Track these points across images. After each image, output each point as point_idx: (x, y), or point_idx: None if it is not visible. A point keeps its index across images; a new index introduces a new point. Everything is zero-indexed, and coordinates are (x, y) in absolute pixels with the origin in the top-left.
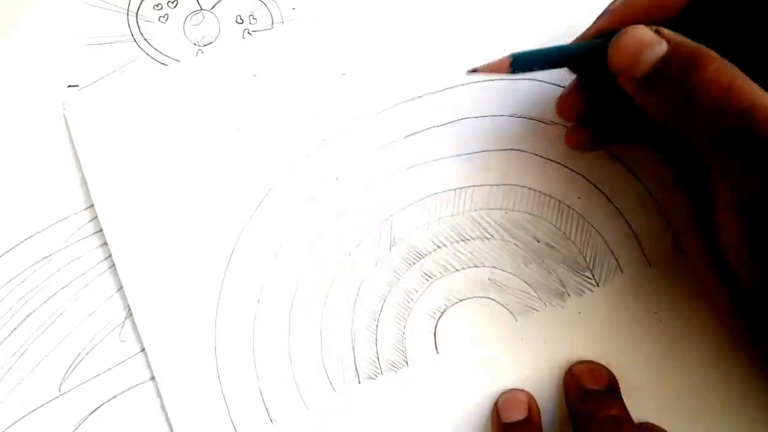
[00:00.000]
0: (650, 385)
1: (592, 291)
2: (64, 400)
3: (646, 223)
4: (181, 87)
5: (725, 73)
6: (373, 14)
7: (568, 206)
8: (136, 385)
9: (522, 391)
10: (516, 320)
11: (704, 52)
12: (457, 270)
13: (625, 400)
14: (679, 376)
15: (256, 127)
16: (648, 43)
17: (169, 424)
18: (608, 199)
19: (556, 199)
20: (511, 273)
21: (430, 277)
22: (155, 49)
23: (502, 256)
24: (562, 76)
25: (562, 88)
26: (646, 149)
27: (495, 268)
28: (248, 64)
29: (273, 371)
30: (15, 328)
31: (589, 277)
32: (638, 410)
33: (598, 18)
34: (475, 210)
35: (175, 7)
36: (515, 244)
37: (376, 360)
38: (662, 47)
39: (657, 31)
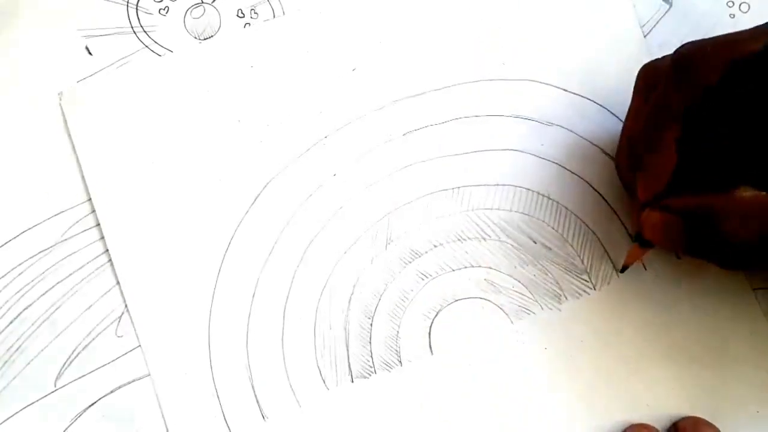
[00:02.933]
0: (647, 389)
1: (588, 294)
2: (60, 395)
3: None
4: (177, 78)
5: None
6: (376, 9)
7: (566, 208)
8: (132, 381)
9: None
10: (512, 322)
11: None
12: (453, 270)
13: (621, 402)
14: (676, 379)
15: (254, 120)
16: None
17: (164, 420)
18: (606, 202)
19: (553, 200)
20: (507, 274)
21: (426, 276)
22: (155, 41)
23: (499, 257)
24: (563, 78)
25: (562, 90)
26: None
27: (491, 268)
28: (246, 54)
29: (266, 368)
30: (11, 321)
31: (586, 280)
32: (634, 412)
33: None
34: (473, 210)
35: None
36: (512, 245)
37: (370, 359)
38: None
39: None
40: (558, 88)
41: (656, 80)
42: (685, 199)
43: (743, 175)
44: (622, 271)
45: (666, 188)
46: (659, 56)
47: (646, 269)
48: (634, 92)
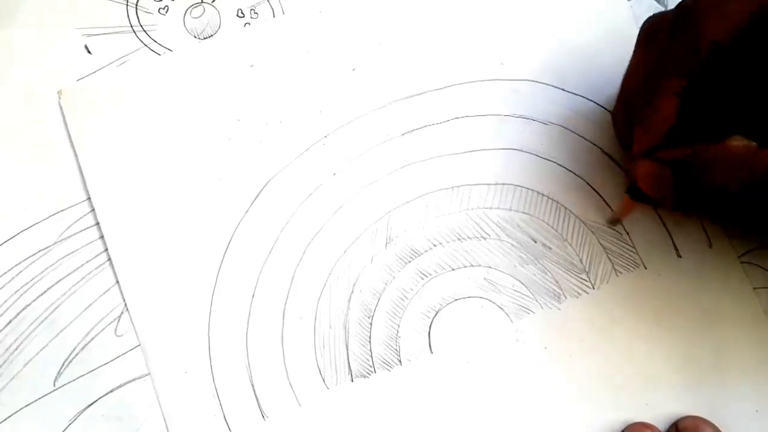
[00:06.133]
0: (647, 388)
1: (588, 293)
2: (59, 395)
3: (642, 227)
4: (177, 77)
5: None
6: (376, 10)
7: (565, 207)
8: (132, 380)
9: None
10: (511, 321)
11: None
12: (453, 269)
13: (621, 401)
14: (676, 378)
15: (254, 120)
16: None
17: (164, 419)
18: (605, 202)
19: (553, 199)
20: (507, 273)
21: (426, 275)
22: (155, 41)
23: (499, 256)
24: (562, 78)
25: (561, 90)
26: None
27: (491, 268)
28: (245, 54)
29: (266, 367)
30: (10, 321)
31: (585, 279)
32: (634, 411)
33: None
34: (472, 209)
35: None
36: (511, 244)
37: (370, 358)
38: None
39: None
40: (557, 87)
41: (658, 32)
42: (677, 149)
43: (737, 126)
44: (613, 224)
45: (663, 140)
46: None
47: (646, 268)
48: (636, 45)
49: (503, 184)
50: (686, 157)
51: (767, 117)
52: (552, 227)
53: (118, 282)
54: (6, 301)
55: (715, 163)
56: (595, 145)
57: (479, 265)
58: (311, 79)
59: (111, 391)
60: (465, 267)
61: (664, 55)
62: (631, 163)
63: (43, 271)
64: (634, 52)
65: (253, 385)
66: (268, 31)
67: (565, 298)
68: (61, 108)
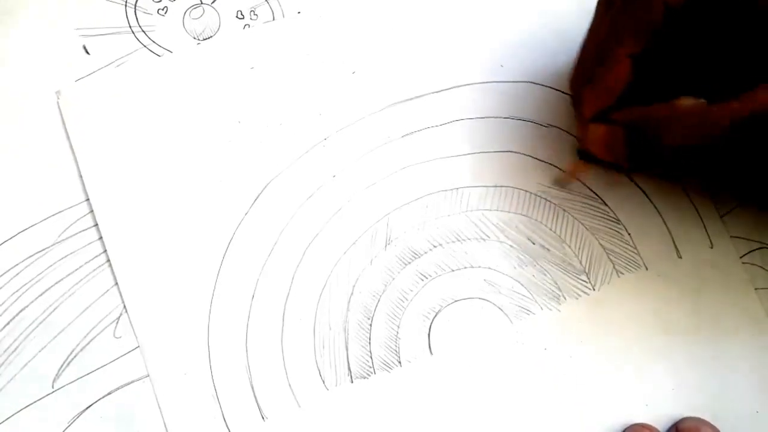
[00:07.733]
0: (647, 389)
1: (588, 294)
2: (58, 397)
3: (643, 227)
4: (176, 78)
5: None
6: (375, 13)
7: (564, 209)
8: (131, 381)
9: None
10: (511, 322)
11: None
12: (453, 270)
13: (621, 402)
14: (676, 379)
15: (254, 122)
16: None
17: (163, 421)
18: (604, 203)
19: (551, 201)
20: (506, 275)
21: (425, 277)
22: (154, 41)
23: (498, 258)
24: (561, 79)
25: (559, 92)
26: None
27: (490, 269)
28: (246, 55)
29: (266, 368)
30: (8, 323)
31: (584, 281)
32: (634, 412)
33: None
34: (472, 211)
35: None
36: (511, 246)
37: (369, 359)
38: None
39: None
40: (556, 90)
41: None
42: (628, 110)
43: (688, 87)
44: (560, 186)
45: (615, 103)
46: None
47: (647, 269)
48: (596, 7)
49: (503, 186)
50: (639, 118)
51: (715, 77)
52: (551, 229)
53: (117, 283)
54: (4, 302)
55: (667, 122)
56: None
57: (479, 267)
58: (311, 81)
59: (110, 393)
60: (465, 268)
61: (622, 17)
62: (581, 125)
63: (41, 273)
64: (594, 15)
65: (252, 387)
66: (268, 33)
67: (565, 299)
68: (59, 109)
